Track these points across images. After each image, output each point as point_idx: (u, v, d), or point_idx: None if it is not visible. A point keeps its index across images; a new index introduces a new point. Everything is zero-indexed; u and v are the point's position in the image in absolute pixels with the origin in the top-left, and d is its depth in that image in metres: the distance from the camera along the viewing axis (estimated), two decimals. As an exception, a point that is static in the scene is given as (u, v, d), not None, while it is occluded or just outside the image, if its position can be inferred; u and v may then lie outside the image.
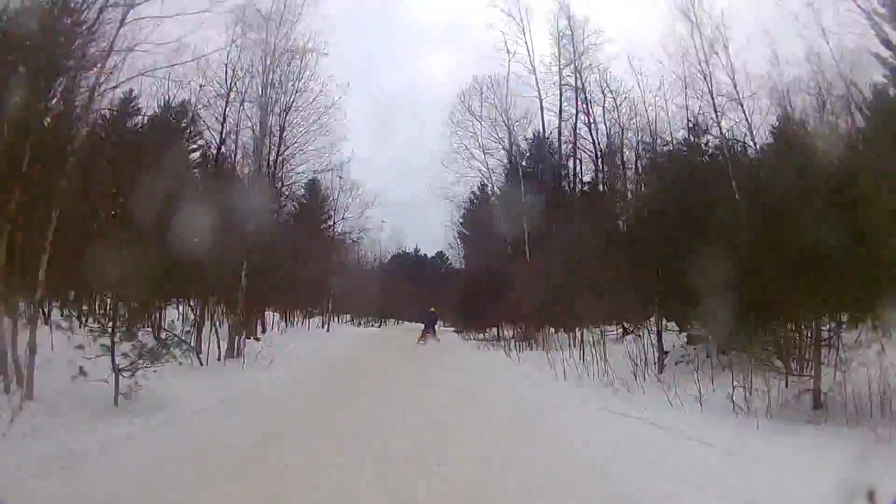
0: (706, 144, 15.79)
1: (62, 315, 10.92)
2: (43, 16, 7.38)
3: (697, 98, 16.57)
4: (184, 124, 16.50)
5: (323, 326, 30.87)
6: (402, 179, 74.33)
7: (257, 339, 17.61)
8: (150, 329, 9.61)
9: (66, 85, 8.31)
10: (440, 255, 74.47)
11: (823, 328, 7.24)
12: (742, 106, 15.47)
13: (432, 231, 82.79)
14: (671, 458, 5.44)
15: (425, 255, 58.55)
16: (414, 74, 58.41)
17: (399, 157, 70.97)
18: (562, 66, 24.34)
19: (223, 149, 16.04)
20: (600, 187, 23.88)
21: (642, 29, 40.07)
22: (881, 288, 6.31)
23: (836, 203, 6.60)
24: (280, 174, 18.13)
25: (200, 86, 14.74)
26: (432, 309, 25.76)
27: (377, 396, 9.66)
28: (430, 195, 44.75)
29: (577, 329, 15.05)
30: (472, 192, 30.85)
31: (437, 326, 25.66)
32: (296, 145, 18.05)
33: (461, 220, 32.72)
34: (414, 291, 45.44)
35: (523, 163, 26.47)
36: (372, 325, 45.20)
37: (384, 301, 45.46)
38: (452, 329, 34.43)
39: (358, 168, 66.44)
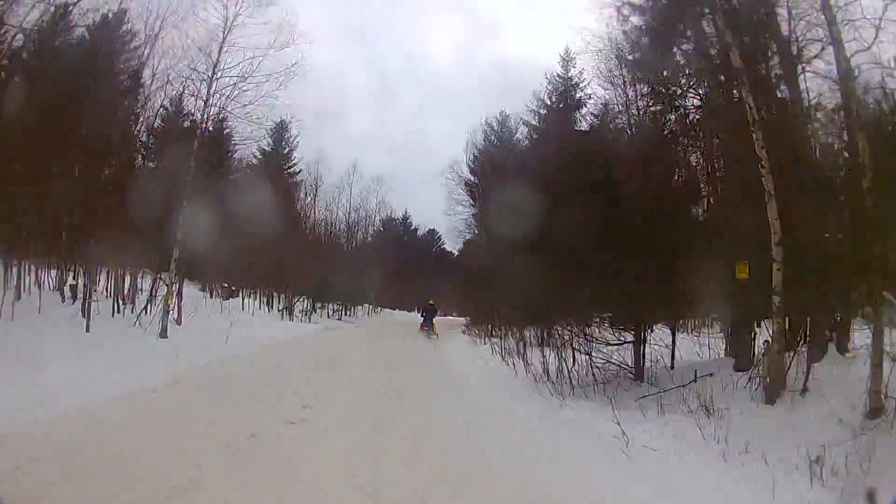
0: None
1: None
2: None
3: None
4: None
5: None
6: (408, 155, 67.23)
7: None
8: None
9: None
10: (432, 232, 68.87)
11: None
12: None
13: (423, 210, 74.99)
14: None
15: (416, 228, 50.90)
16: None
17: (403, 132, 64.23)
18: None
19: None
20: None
21: None
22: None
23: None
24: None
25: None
26: (431, 301, 24.91)
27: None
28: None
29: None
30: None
31: (434, 320, 24.11)
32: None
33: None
34: (405, 272, 38.78)
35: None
36: (344, 317, 31.57)
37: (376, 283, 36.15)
38: (460, 323, 29.35)
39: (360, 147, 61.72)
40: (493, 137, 25.70)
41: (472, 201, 26.76)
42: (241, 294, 23.25)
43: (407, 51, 62.49)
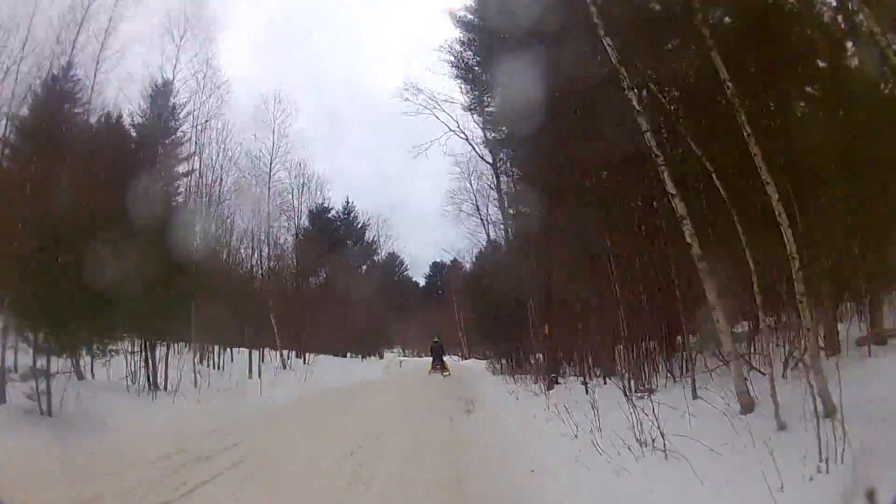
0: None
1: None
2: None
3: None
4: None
5: None
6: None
7: None
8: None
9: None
10: (393, 257, 64.36)
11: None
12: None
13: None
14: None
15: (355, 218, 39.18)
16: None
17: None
18: None
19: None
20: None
21: None
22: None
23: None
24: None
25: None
26: (437, 339, 24.92)
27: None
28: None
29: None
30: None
31: (444, 358, 23.92)
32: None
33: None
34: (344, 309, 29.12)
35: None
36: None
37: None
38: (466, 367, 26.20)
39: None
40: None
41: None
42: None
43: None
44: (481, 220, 25.11)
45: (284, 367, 20.19)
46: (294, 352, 22.61)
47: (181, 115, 19.84)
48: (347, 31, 57.73)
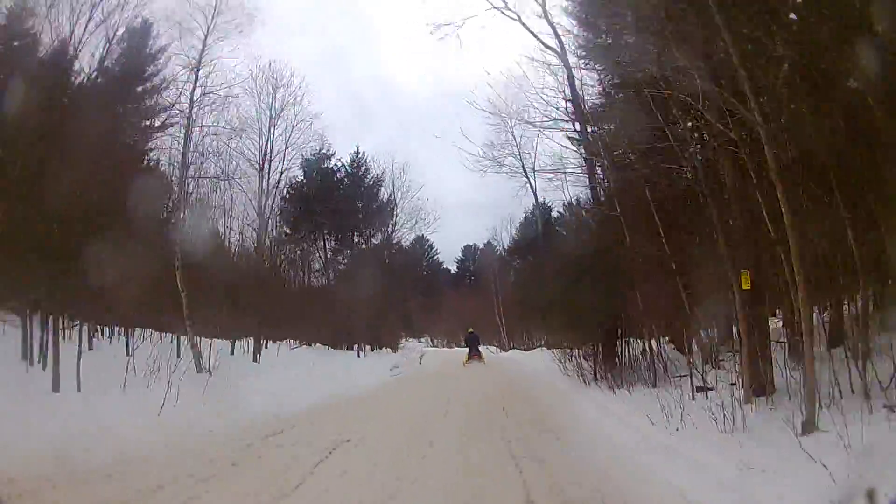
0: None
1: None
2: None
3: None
4: None
5: None
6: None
7: None
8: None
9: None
10: (421, 241, 58.24)
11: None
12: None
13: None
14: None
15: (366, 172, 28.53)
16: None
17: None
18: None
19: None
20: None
21: None
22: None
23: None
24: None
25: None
26: (470, 330, 23.82)
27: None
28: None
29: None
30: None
31: (480, 348, 23.31)
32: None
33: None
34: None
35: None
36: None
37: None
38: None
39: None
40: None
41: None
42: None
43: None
44: (527, 178, 19.78)
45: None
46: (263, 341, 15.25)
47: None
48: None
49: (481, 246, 49.57)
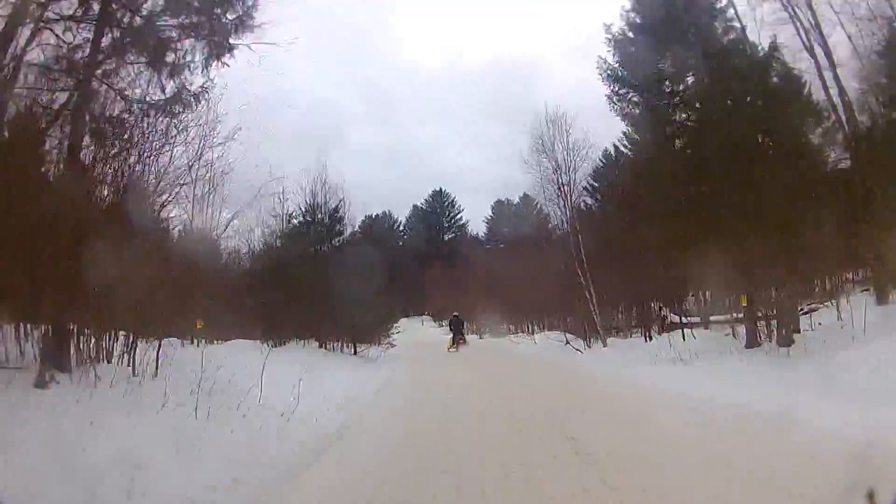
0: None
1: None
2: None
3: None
4: None
5: None
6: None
7: None
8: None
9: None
10: (441, 196, 50.72)
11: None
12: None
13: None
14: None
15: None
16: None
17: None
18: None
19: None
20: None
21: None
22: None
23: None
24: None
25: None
26: (455, 314, 22.98)
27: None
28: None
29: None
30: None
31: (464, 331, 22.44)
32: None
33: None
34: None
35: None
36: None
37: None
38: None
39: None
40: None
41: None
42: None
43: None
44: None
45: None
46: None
47: None
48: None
49: (516, 201, 40.90)
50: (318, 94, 54.27)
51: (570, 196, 16.91)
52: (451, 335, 21.61)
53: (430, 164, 64.06)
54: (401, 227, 49.97)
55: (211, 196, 12.28)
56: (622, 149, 18.15)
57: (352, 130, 63.86)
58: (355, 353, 15.61)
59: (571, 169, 16.66)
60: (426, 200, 49.15)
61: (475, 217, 63.71)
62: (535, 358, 15.84)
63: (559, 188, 16.83)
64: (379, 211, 46.96)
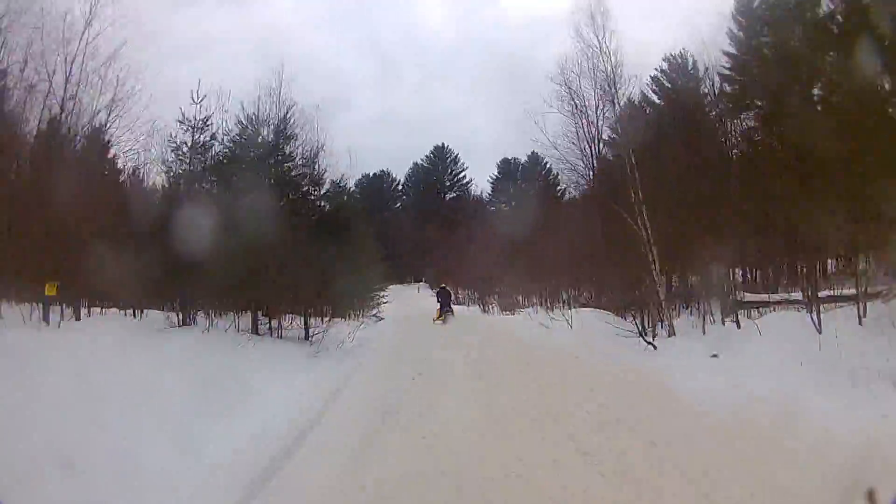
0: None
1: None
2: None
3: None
4: None
5: None
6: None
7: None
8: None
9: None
10: (443, 151, 46.05)
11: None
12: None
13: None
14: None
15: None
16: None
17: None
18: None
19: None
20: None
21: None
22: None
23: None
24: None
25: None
26: (443, 285, 23.02)
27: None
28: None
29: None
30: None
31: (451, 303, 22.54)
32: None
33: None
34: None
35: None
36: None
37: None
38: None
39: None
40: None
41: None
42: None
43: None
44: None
45: None
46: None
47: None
48: None
49: (523, 160, 35.97)
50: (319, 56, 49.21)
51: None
52: (439, 307, 21.73)
53: (433, 127, 60.91)
54: (399, 188, 45.16)
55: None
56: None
57: (352, 93, 59.35)
58: (307, 337, 10.92)
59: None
60: (427, 157, 44.10)
61: (479, 176, 59.60)
62: (603, 366, 9.00)
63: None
64: (377, 170, 42.16)
